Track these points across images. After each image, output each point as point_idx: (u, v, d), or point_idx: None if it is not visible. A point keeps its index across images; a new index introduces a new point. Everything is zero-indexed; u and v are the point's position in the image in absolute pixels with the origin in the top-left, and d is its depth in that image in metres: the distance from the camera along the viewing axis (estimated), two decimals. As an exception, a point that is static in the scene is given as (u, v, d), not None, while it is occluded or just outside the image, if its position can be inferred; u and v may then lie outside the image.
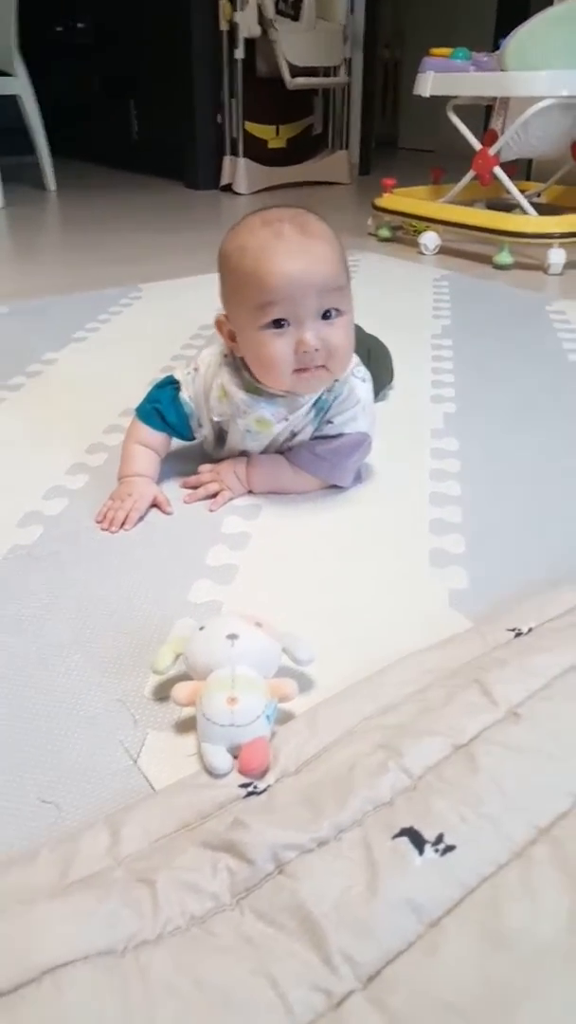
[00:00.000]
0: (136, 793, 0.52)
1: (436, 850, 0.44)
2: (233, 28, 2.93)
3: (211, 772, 0.51)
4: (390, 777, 0.48)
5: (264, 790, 0.50)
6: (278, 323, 0.76)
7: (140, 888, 0.43)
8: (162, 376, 0.93)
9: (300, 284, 0.74)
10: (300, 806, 0.47)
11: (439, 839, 0.44)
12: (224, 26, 2.97)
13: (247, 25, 2.89)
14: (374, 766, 0.49)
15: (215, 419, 0.87)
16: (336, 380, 0.83)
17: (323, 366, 0.78)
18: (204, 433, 0.90)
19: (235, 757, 0.52)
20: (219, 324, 0.83)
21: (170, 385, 0.89)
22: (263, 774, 0.51)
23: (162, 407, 0.88)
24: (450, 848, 0.44)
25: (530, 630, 0.63)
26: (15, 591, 0.73)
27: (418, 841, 0.44)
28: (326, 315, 0.76)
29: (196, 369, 0.87)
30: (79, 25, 3.93)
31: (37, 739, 0.57)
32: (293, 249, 0.74)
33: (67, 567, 0.77)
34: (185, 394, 0.87)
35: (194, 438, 0.91)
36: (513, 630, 0.63)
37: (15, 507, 0.88)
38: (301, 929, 0.40)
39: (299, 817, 0.46)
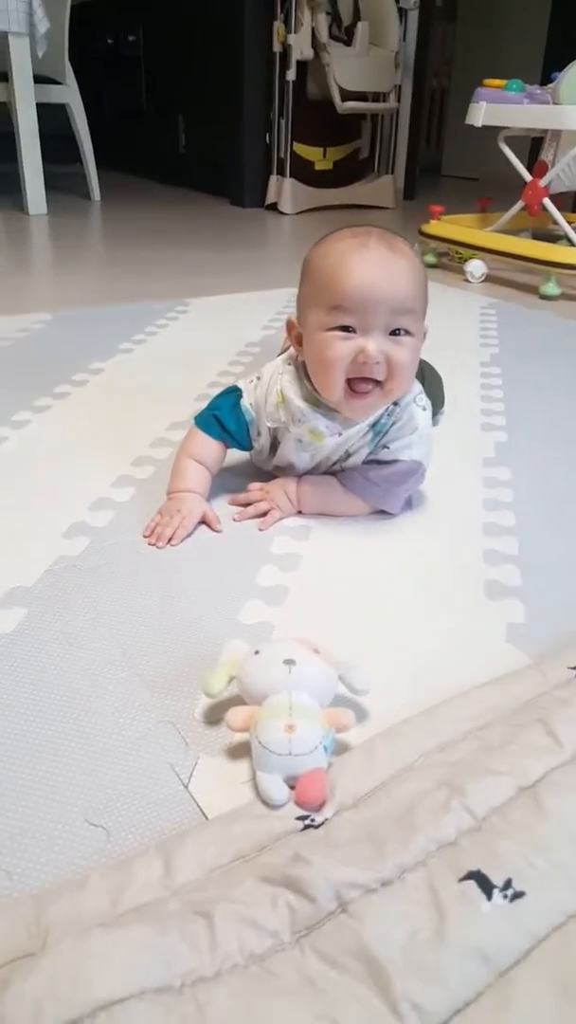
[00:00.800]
0: (187, 820, 0.51)
1: (505, 896, 0.42)
2: (286, 50, 2.96)
3: (267, 803, 0.50)
4: (454, 816, 0.47)
5: (322, 823, 0.48)
6: (345, 328, 0.75)
7: (197, 921, 0.41)
8: (211, 390, 0.92)
9: (374, 295, 0.73)
10: (362, 843, 0.45)
11: (507, 884, 0.43)
12: (277, 47, 3.00)
13: (300, 47, 2.92)
14: (437, 804, 0.47)
15: (269, 425, 0.86)
16: (396, 404, 0.82)
17: (380, 384, 0.77)
18: (262, 442, 0.88)
19: (291, 787, 0.51)
20: (290, 326, 0.83)
21: (232, 393, 0.88)
22: (321, 807, 0.49)
23: (221, 414, 0.87)
24: (519, 895, 0.42)
25: (591, 670, 0.62)
26: (62, 604, 0.72)
27: (486, 886, 0.43)
28: (395, 333, 0.75)
29: (259, 377, 0.87)
30: (130, 38, 3.99)
31: (85, 759, 0.55)
32: (375, 260, 0.73)
33: (114, 581, 0.76)
34: (246, 401, 0.87)
35: (252, 447, 0.90)
36: (574, 668, 0.62)
37: (61, 517, 0.87)
38: (366, 973, 0.39)
39: (361, 855, 0.44)
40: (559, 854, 0.44)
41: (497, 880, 0.42)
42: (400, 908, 0.41)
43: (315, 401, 0.82)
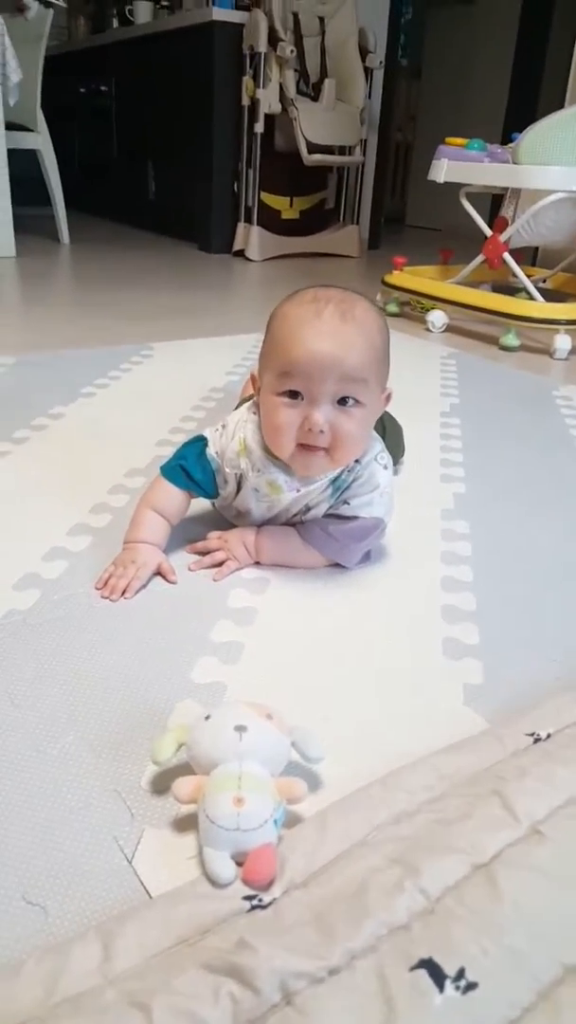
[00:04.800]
0: (130, 897, 0.48)
1: (457, 987, 0.40)
2: (254, 103, 3.04)
3: (213, 881, 0.48)
4: (406, 898, 0.45)
5: (270, 903, 0.46)
6: (293, 394, 0.75)
7: (134, 1015, 0.39)
8: (173, 436, 0.91)
9: (320, 365, 0.73)
10: (310, 927, 0.43)
11: (460, 974, 0.41)
12: (246, 101, 3.07)
13: (268, 102, 2.99)
14: (390, 885, 0.46)
15: (228, 471, 0.85)
16: (357, 461, 0.82)
17: (326, 450, 0.77)
18: (229, 489, 0.87)
19: (239, 863, 0.49)
20: (253, 378, 0.83)
21: (198, 442, 0.88)
22: (269, 885, 0.47)
23: (187, 464, 0.86)
24: (472, 986, 0.41)
25: (548, 736, 0.61)
26: (8, 661, 0.70)
27: (438, 976, 0.41)
28: (343, 401, 0.75)
29: (224, 426, 0.87)
30: (102, 88, 4.06)
31: (24, 829, 0.53)
32: (325, 331, 0.73)
33: (64, 637, 0.74)
34: (212, 450, 0.86)
35: (219, 495, 0.89)
36: (532, 735, 0.61)
37: (13, 568, 0.85)
38: (310, 1075, 0.37)
39: (309, 940, 0.42)
40: (513, 939, 0.42)
41: (449, 969, 0.41)
42: (347, 1001, 0.39)
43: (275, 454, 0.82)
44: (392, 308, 2.31)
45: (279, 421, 0.76)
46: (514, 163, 1.96)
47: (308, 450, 0.77)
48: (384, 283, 2.33)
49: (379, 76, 3.49)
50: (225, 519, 0.93)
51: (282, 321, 0.77)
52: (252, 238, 3.22)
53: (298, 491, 0.83)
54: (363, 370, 0.75)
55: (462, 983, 0.40)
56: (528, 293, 2.05)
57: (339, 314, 0.74)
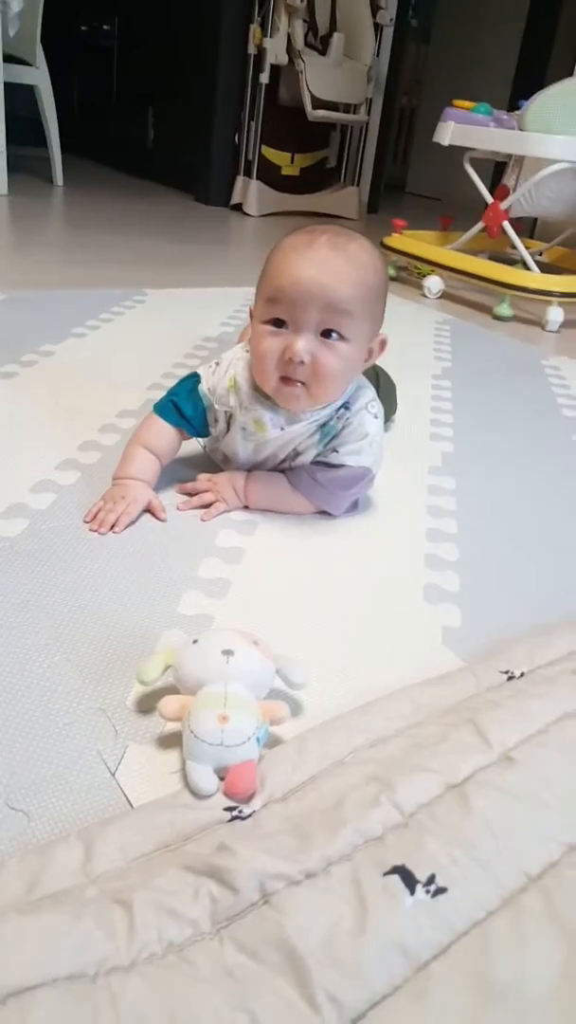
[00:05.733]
0: (113, 808, 0.50)
1: (427, 891, 0.42)
2: (261, 53, 2.97)
3: (195, 792, 0.49)
4: (381, 812, 0.47)
5: (249, 815, 0.48)
6: (278, 322, 0.76)
7: (115, 909, 0.40)
8: (165, 380, 0.91)
9: (304, 291, 0.73)
10: (288, 835, 0.45)
11: (430, 880, 0.43)
12: (252, 50, 3.00)
13: (275, 52, 2.93)
14: (365, 799, 0.47)
15: (218, 407, 0.86)
16: (347, 409, 0.83)
17: (304, 385, 0.77)
18: (220, 428, 0.88)
19: (221, 778, 0.50)
20: (251, 312, 0.83)
21: (191, 378, 0.88)
22: (249, 799, 0.49)
23: (178, 399, 0.87)
24: (441, 890, 0.43)
25: (522, 674, 0.63)
26: (-4, 583, 0.70)
27: (409, 881, 0.43)
28: (328, 334, 0.75)
29: (218, 363, 0.87)
30: (105, 27, 3.94)
31: (8, 742, 0.54)
32: (314, 259, 0.74)
33: (51, 565, 0.74)
34: (204, 387, 0.86)
35: (209, 434, 0.89)
36: (505, 672, 0.63)
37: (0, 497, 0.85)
38: (284, 964, 0.38)
39: (288, 846, 0.44)
40: (482, 851, 0.44)
41: (420, 875, 0.42)
42: (323, 900, 0.41)
43: (263, 391, 0.82)
44: (389, 272, 2.30)
45: (262, 349, 0.76)
46: (520, 130, 1.95)
47: (288, 383, 0.77)
48: (383, 245, 2.32)
49: (388, 34, 3.42)
50: (215, 463, 0.94)
51: (277, 250, 0.78)
52: (251, 192, 3.17)
53: (282, 429, 0.83)
54: (349, 302, 0.74)
55: (432, 888, 0.42)
56: (525, 264, 2.05)
57: (331, 245, 0.75)
